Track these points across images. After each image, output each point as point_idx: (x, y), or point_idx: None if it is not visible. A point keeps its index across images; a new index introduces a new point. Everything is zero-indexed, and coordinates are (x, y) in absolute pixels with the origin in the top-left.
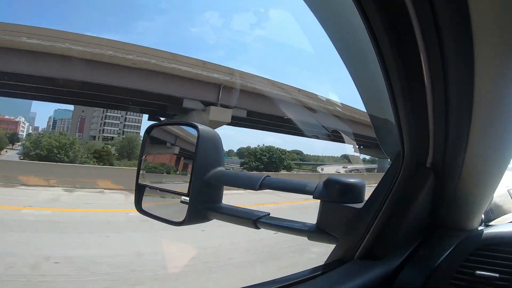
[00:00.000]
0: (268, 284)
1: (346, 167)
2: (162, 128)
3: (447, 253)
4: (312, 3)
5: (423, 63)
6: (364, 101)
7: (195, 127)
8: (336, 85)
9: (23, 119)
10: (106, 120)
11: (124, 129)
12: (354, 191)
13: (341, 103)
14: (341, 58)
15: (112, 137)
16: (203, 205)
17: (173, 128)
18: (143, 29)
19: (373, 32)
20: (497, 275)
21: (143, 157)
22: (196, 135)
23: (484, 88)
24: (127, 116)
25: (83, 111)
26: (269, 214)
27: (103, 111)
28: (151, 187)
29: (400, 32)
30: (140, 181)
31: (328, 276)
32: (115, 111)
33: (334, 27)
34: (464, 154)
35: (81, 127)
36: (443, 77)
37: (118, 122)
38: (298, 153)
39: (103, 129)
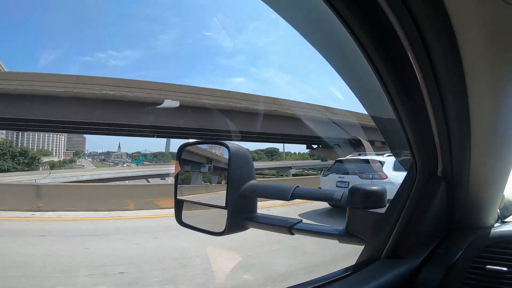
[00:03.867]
0: (305, 285)
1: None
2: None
3: (462, 251)
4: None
5: (420, 83)
6: (376, 123)
7: (226, 145)
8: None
9: None
10: None
11: None
12: (376, 197)
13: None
14: (350, 88)
15: None
16: (240, 216)
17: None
18: None
19: (377, 69)
20: (505, 269)
21: (178, 173)
22: (227, 153)
23: (477, 96)
24: None
25: None
26: (301, 220)
27: None
28: (189, 202)
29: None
30: (178, 197)
31: (358, 274)
32: None
33: (336, 58)
34: (469, 161)
35: None
36: (439, 95)
37: None
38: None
39: None
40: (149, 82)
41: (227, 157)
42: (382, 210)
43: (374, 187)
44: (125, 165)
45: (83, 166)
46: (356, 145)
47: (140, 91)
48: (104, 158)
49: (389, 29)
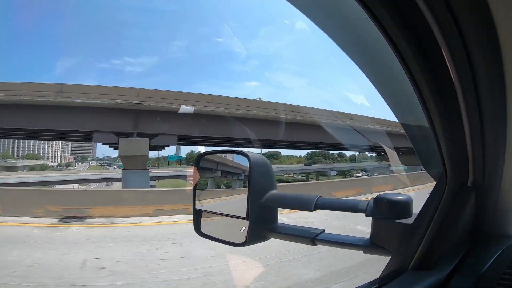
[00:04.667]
0: None
1: None
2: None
3: (492, 260)
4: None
5: (456, 89)
6: (406, 131)
7: (246, 155)
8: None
9: None
10: None
11: None
12: (402, 207)
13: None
14: (382, 95)
15: None
16: (261, 226)
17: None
18: None
19: (411, 72)
20: None
21: (196, 183)
22: (248, 163)
23: None
24: None
25: None
26: (324, 230)
27: None
28: (207, 212)
29: (429, 59)
30: (196, 207)
31: (387, 287)
32: None
33: (360, 54)
34: (502, 170)
35: None
36: (476, 101)
37: None
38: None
39: None
40: (160, 90)
41: (247, 167)
42: (409, 221)
43: (399, 197)
44: (116, 168)
45: (74, 169)
46: (378, 151)
47: (149, 100)
48: (110, 163)
49: (426, 28)
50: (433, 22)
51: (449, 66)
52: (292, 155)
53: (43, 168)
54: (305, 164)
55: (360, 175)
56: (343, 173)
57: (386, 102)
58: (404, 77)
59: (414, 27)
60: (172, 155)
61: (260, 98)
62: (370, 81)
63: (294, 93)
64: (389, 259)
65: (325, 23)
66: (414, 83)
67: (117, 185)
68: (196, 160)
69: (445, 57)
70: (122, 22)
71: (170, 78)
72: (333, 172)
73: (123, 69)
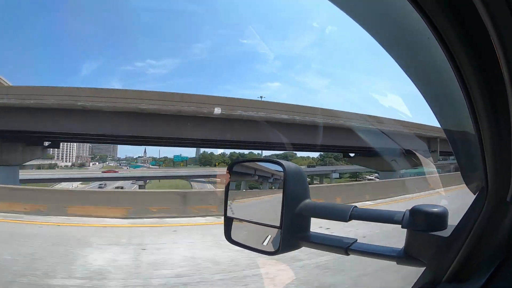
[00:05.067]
0: None
1: None
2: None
3: None
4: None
5: (508, 92)
6: (449, 139)
7: (280, 164)
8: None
9: None
10: None
11: None
12: (438, 219)
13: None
14: (426, 98)
15: None
16: (294, 235)
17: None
18: None
19: (461, 74)
20: None
21: (228, 189)
22: (283, 172)
23: None
24: None
25: None
26: (356, 240)
27: None
28: (238, 219)
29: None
30: (228, 214)
31: None
32: None
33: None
34: None
35: None
36: None
37: None
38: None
39: None
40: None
41: (276, 171)
42: (445, 233)
43: (435, 209)
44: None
45: (87, 169)
46: (410, 157)
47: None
48: (128, 163)
49: (479, 25)
50: (487, 19)
51: (501, 67)
52: (308, 157)
53: (52, 167)
54: (308, 166)
55: (373, 177)
56: (354, 176)
57: (429, 105)
58: (452, 79)
59: (469, 28)
60: (177, 156)
61: (261, 97)
62: (413, 83)
63: (318, 94)
64: (422, 271)
65: (360, 15)
66: (464, 86)
67: (118, 184)
68: (229, 166)
69: (498, 55)
70: (144, 26)
71: (193, 80)
72: (336, 175)
73: (145, 71)
